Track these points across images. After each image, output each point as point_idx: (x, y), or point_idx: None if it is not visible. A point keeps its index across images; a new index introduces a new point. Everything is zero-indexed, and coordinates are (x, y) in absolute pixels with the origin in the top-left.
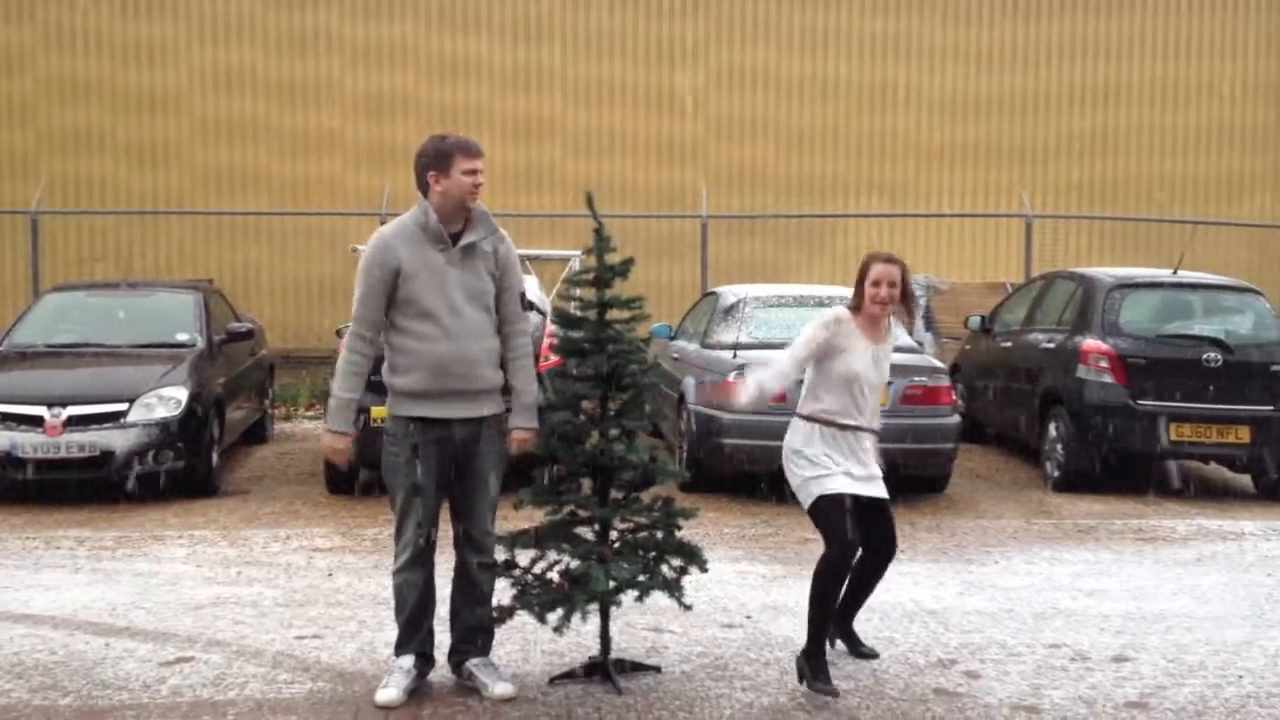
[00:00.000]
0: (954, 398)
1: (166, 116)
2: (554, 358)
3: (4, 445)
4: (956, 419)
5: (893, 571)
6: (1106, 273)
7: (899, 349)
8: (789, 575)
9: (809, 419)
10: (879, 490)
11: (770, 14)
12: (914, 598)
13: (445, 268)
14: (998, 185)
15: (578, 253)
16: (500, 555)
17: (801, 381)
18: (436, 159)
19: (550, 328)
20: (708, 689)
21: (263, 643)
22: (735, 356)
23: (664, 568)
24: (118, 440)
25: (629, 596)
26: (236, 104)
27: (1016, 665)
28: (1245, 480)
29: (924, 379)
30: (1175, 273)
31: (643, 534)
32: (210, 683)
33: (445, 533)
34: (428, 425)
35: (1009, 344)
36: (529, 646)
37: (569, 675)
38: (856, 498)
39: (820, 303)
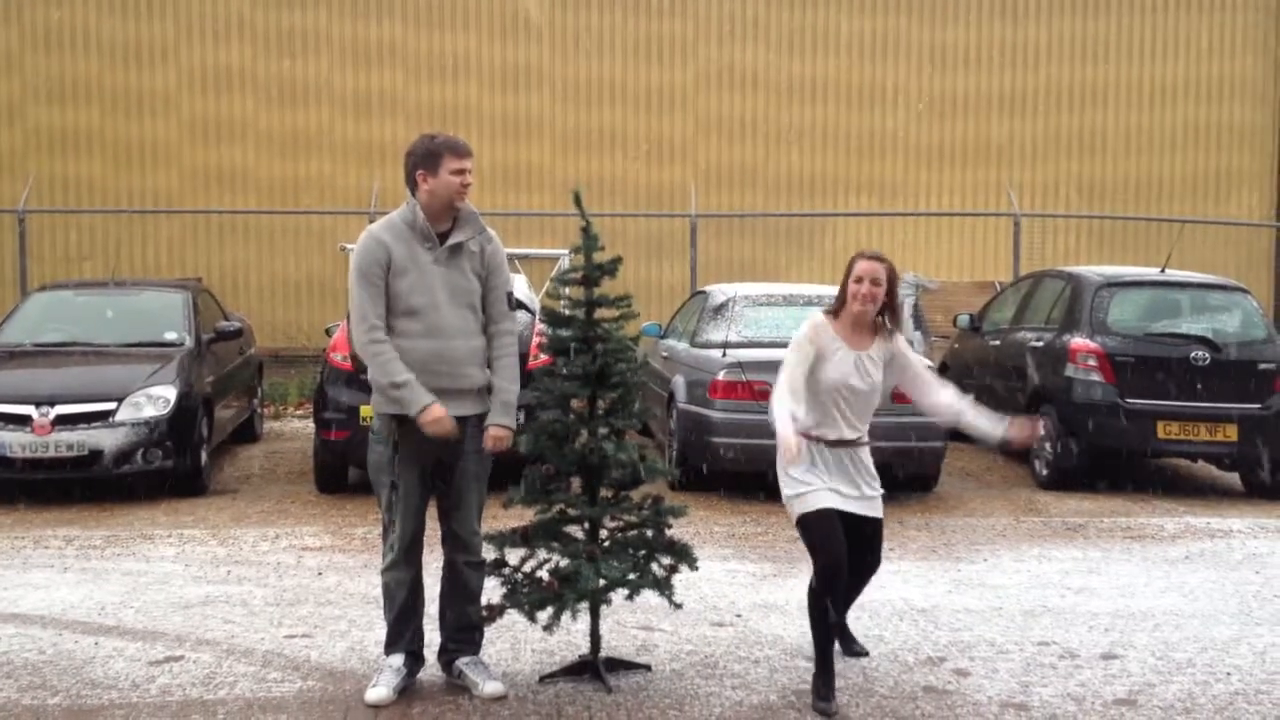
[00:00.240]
0: None
1: (154, 116)
2: (543, 356)
3: None
4: None
5: (882, 570)
6: (1095, 271)
7: None
8: (779, 574)
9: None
10: (870, 509)
11: (759, 13)
12: (903, 596)
13: (432, 266)
14: (986, 184)
15: (566, 251)
16: (490, 554)
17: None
18: (425, 158)
19: (539, 326)
20: (698, 687)
21: (252, 642)
22: (725, 355)
23: (654, 566)
24: (106, 439)
25: (619, 595)
26: (224, 103)
27: (1005, 663)
28: (1233, 478)
29: None
30: (1163, 271)
31: (632, 532)
32: (200, 682)
33: (434, 531)
34: (412, 423)
35: (998, 343)
36: (519, 645)
37: (559, 673)
38: (844, 513)
39: (809, 301)
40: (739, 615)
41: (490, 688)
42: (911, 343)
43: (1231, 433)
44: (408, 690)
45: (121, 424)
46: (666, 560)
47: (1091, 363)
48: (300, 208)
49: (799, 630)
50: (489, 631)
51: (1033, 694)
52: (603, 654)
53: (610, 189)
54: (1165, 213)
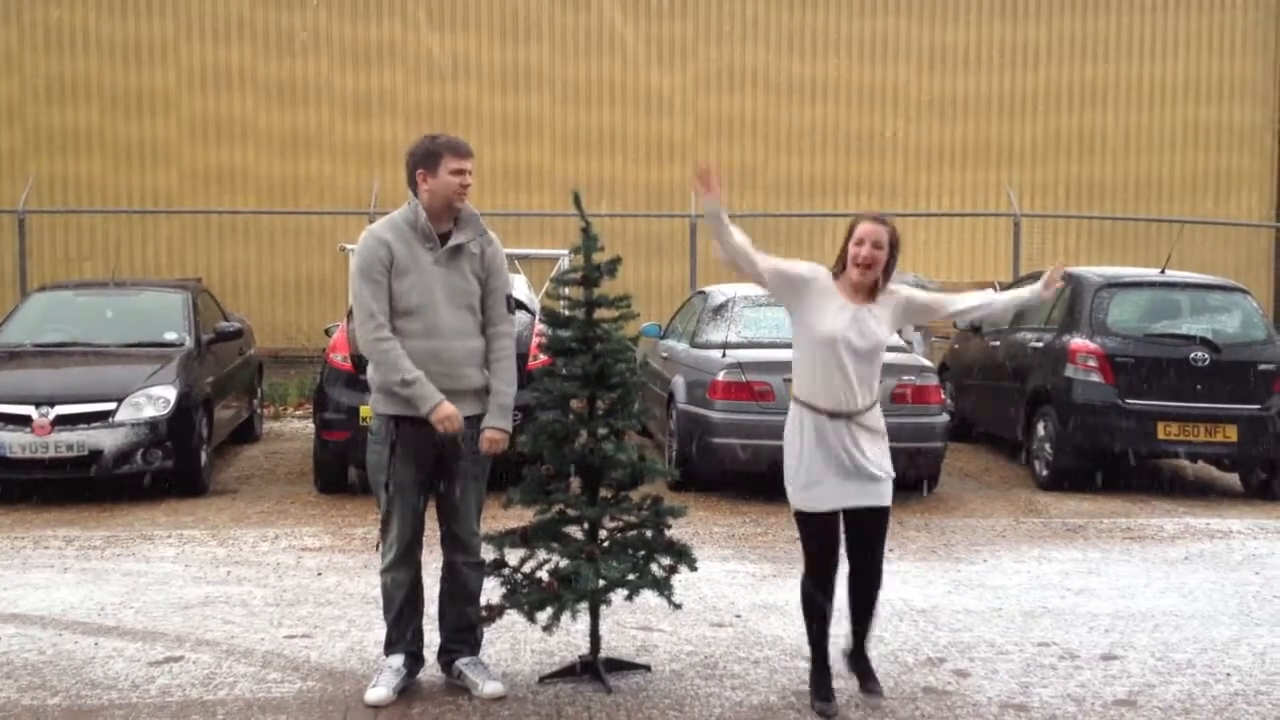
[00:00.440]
0: (943, 397)
1: (154, 116)
2: (543, 357)
3: None
4: (945, 418)
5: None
6: (1094, 272)
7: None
8: (778, 574)
9: (796, 401)
10: (871, 497)
11: (759, 14)
12: (903, 596)
13: (432, 267)
14: (985, 185)
15: (566, 252)
16: (489, 554)
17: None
18: (426, 158)
19: (539, 327)
20: (697, 688)
21: (252, 642)
22: (724, 355)
23: (653, 566)
24: (106, 440)
25: (618, 595)
26: (224, 103)
27: (1005, 664)
28: (1233, 479)
29: (913, 378)
30: (1163, 272)
31: (632, 533)
32: (200, 682)
33: (434, 531)
34: (409, 424)
35: (997, 343)
36: (519, 645)
37: (559, 674)
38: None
39: None
40: (738, 616)
41: (490, 688)
42: (911, 343)
43: (1231, 433)
44: (407, 691)
45: (121, 424)
46: (666, 561)
47: (1091, 363)
48: (300, 208)
49: (799, 631)
50: (488, 632)
51: (1032, 695)
52: (602, 654)
53: (610, 189)
54: (1165, 213)
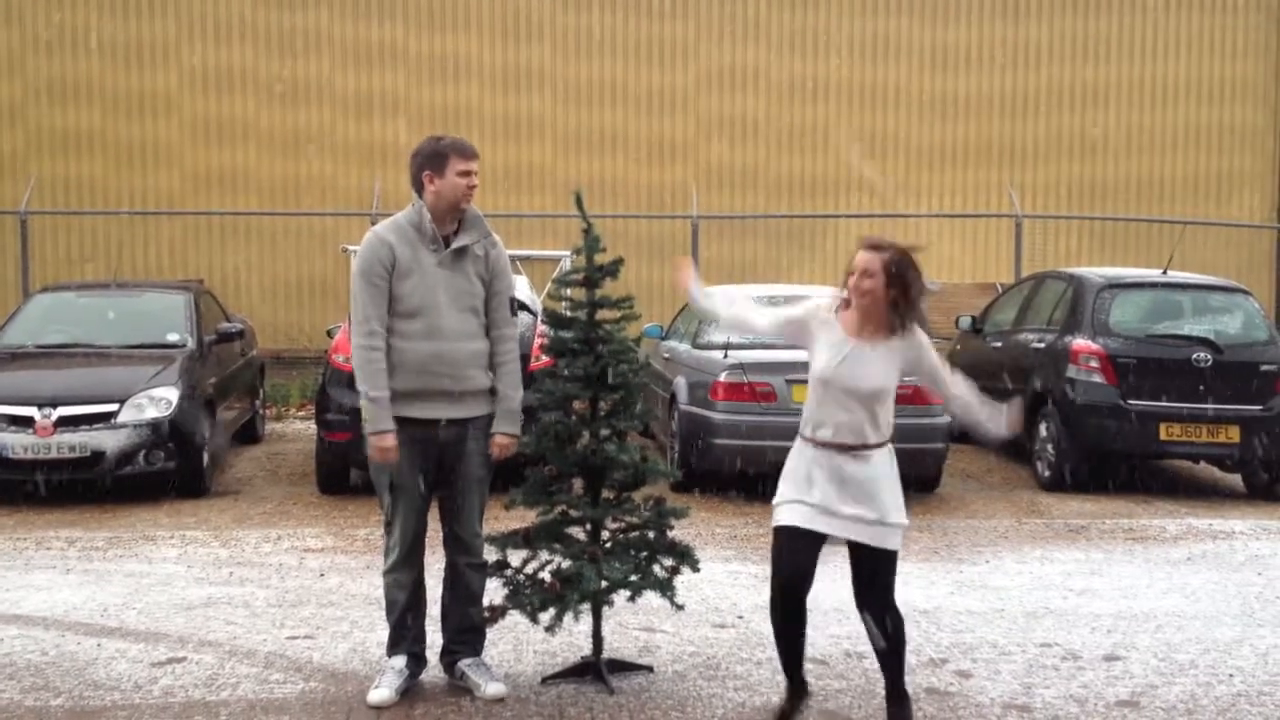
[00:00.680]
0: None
1: (156, 117)
2: (545, 358)
3: None
4: (947, 419)
5: None
6: (1096, 273)
7: None
8: None
9: (800, 434)
10: (867, 535)
11: (760, 14)
12: (905, 598)
13: (436, 269)
14: (987, 185)
15: (568, 253)
16: (492, 555)
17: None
18: (431, 159)
19: (541, 328)
20: (700, 689)
21: (255, 643)
22: (726, 356)
23: (656, 567)
24: (108, 441)
25: (621, 596)
26: (226, 104)
27: (1008, 664)
28: (1235, 480)
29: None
30: (1165, 273)
31: (634, 534)
32: (202, 683)
33: (437, 533)
34: (411, 425)
35: (999, 344)
36: (521, 646)
37: (561, 675)
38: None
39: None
40: (741, 617)
41: (492, 689)
42: None
43: (1233, 434)
44: (410, 691)
45: (124, 425)
46: (668, 561)
47: (1093, 364)
48: (302, 209)
49: None
50: (491, 633)
51: (1035, 695)
52: (605, 655)
53: (612, 190)
54: (1166, 214)
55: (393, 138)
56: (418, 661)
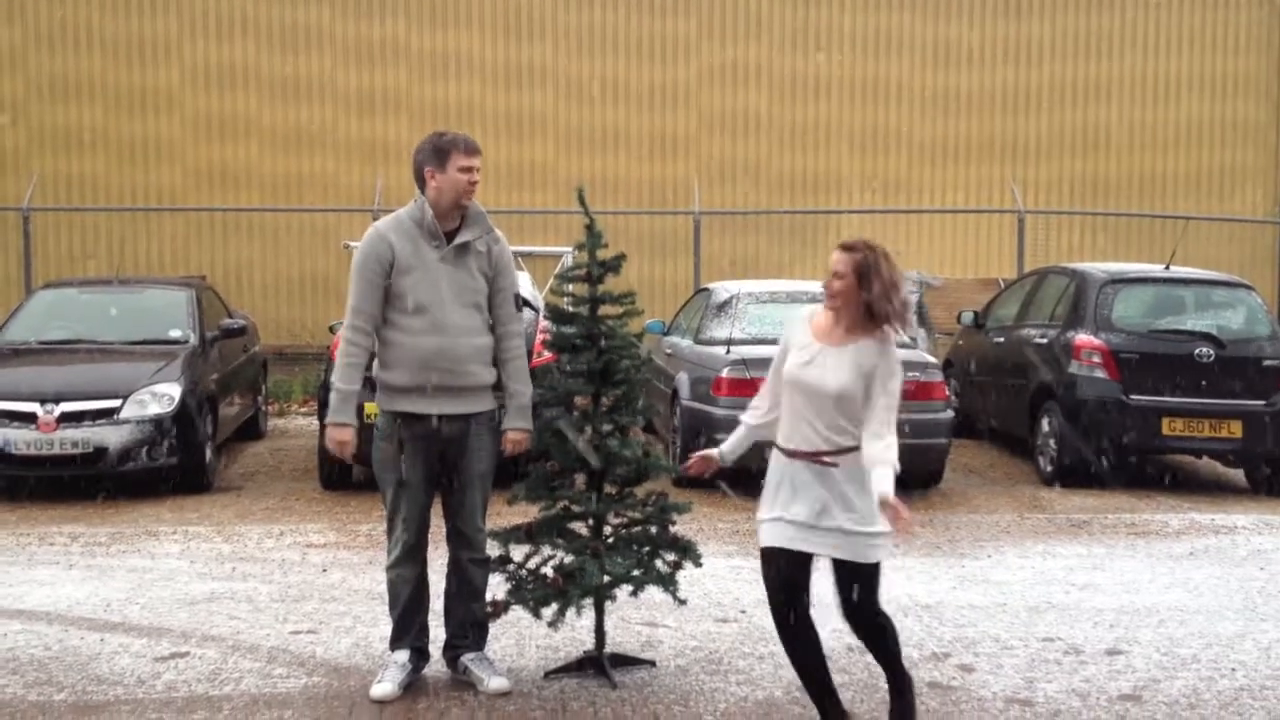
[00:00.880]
0: (947, 393)
1: (158, 113)
2: (547, 354)
3: None
4: (949, 414)
5: (887, 566)
6: (1099, 268)
7: None
8: None
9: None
10: (841, 549)
11: (761, 10)
12: (908, 592)
13: (438, 265)
14: (990, 181)
15: (570, 249)
16: (494, 550)
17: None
18: (433, 155)
19: (543, 324)
20: (702, 683)
21: (258, 638)
22: (728, 352)
23: (658, 562)
24: (111, 437)
25: (623, 591)
26: (228, 101)
27: (1010, 659)
28: (1238, 475)
29: (917, 374)
30: (1167, 268)
31: (637, 529)
32: (205, 678)
33: (440, 528)
34: (415, 420)
35: (1001, 339)
36: (524, 641)
37: (564, 669)
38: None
39: (813, 298)
40: (743, 611)
41: (495, 683)
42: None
43: (1236, 429)
44: (413, 686)
45: (126, 421)
46: (671, 556)
47: (1096, 359)
48: (304, 205)
49: None
50: (494, 628)
51: (1037, 690)
52: (607, 650)
53: (614, 186)
54: (1169, 209)
55: (395, 134)
56: (421, 656)
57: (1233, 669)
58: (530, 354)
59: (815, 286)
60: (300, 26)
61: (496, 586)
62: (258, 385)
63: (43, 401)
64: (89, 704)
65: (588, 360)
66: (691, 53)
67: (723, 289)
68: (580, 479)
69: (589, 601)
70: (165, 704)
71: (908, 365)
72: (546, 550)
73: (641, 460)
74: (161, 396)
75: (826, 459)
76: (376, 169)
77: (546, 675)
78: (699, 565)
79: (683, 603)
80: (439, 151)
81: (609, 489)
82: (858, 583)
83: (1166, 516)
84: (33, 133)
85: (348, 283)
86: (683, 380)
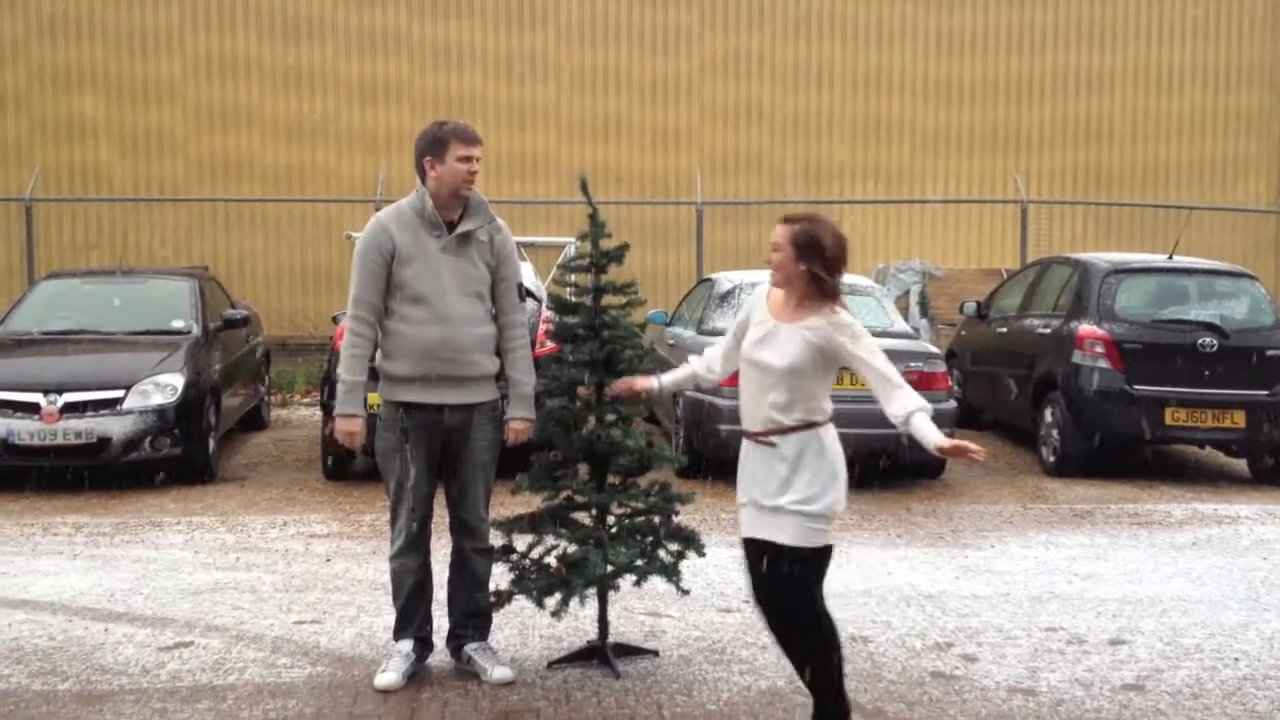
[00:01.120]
0: (950, 383)
1: (160, 104)
2: (550, 344)
3: (0, 432)
4: (952, 404)
5: (890, 556)
6: (1102, 258)
7: (888, 334)
8: None
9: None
10: (766, 530)
11: (764, 0)
12: (911, 582)
13: (440, 254)
14: (993, 171)
15: (572, 239)
16: (498, 540)
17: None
18: (433, 144)
19: (546, 314)
20: (705, 673)
21: (262, 628)
22: None
23: (661, 552)
24: (114, 427)
25: (627, 581)
26: (231, 91)
27: (1013, 648)
28: (1241, 464)
29: (919, 364)
30: (1170, 258)
31: (640, 519)
32: (210, 667)
33: (443, 518)
34: (417, 410)
35: (1004, 329)
36: (527, 631)
37: (567, 659)
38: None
39: None
40: (746, 601)
41: (499, 673)
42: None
43: (1239, 419)
44: (416, 675)
45: (129, 412)
46: (674, 546)
47: (1099, 349)
48: (306, 196)
49: None
50: (497, 617)
51: (1040, 679)
52: (611, 640)
53: (616, 177)
54: (1172, 199)
55: (397, 125)
56: (424, 646)
57: (1236, 659)
58: (533, 344)
59: None
60: (302, 17)
61: (500, 576)
62: (260, 376)
63: (46, 392)
64: (93, 694)
65: (591, 350)
66: (694, 43)
67: (725, 279)
68: (583, 469)
69: (592, 591)
70: (169, 694)
71: (911, 356)
72: (550, 540)
73: (644, 451)
74: (165, 387)
75: (765, 438)
76: (379, 159)
77: (550, 665)
78: (702, 555)
79: (686, 593)
80: (438, 141)
81: (612, 479)
82: (794, 569)
83: (1169, 506)
84: (35, 123)
85: (350, 273)
86: None
